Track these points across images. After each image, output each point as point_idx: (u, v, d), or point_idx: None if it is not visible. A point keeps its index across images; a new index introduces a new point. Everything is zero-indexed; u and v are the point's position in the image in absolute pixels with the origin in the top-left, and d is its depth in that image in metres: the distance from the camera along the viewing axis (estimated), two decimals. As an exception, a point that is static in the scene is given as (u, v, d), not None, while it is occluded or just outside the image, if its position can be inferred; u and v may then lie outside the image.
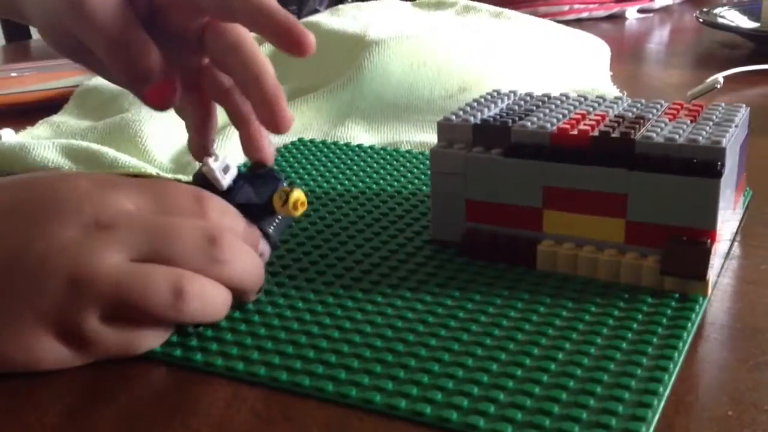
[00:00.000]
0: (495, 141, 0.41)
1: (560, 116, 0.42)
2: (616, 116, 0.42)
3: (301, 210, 0.38)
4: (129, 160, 0.54)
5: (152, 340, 0.34)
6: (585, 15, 1.12)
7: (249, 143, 0.42)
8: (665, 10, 1.21)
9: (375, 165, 0.56)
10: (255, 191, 0.38)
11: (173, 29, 0.41)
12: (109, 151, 0.55)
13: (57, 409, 0.31)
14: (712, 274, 0.38)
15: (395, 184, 0.53)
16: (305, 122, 0.66)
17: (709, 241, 0.38)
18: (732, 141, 0.39)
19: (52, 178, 0.35)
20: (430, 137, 0.62)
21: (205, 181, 0.38)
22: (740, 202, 0.46)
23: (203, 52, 0.42)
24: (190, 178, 0.53)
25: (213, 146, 0.44)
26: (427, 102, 0.69)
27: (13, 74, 0.78)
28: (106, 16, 0.39)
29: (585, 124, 0.40)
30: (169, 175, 0.54)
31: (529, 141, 0.40)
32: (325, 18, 0.83)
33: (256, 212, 0.38)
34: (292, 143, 0.62)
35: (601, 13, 1.14)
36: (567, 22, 0.98)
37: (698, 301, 0.37)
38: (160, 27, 0.41)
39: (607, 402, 0.30)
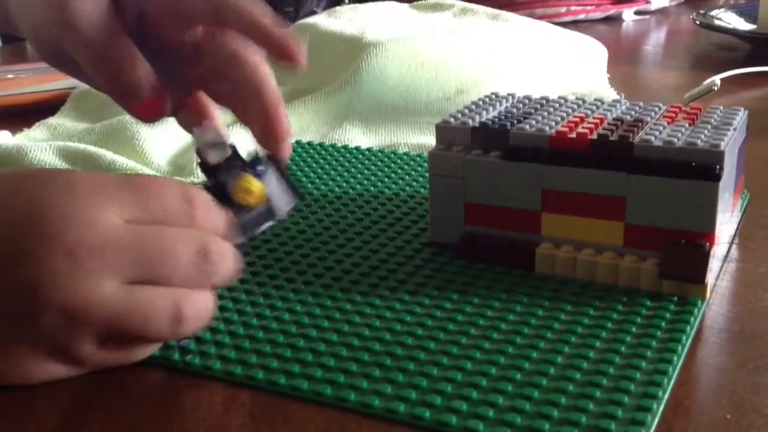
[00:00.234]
0: (493, 144, 0.41)
1: (559, 119, 0.42)
2: (614, 119, 0.42)
3: (246, 199, 0.37)
4: (126, 163, 0.54)
5: (147, 351, 0.34)
6: (582, 17, 1.12)
7: (265, 138, 0.40)
8: (662, 12, 1.21)
9: (373, 167, 0.56)
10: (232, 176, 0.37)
11: (166, 41, 0.41)
12: (107, 154, 0.55)
13: (55, 414, 0.31)
14: (710, 278, 0.38)
15: (393, 186, 0.53)
16: (303, 124, 0.66)
17: (708, 244, 0.37)
18: (730, 144, 0.39)
19: (32, 181, 0.33)
20: (428, 139, 0.62)
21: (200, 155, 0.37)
22: (738, 205, 0.46)
23: (198, 63, 0.42)
24: (186, 180, 0.53)
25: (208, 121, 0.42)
26: (424, 104, 0.69)
27: (9, 76, 0.77)
28: (92, 29, 0.38)
29: (584, 127, 0.40)
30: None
31: (528, 144, 0.40)
32: (322, 20, 0.83)
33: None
34: (294, 148, 0.61)
35: (598, 14, 1.14)
36: (564, 24, 0.98)
37: (697, 304, 0.37)
38: (153, 39, 0.41)
39: (607, 406, 0.30)
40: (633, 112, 0.43)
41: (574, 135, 0.40)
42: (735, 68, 0.77)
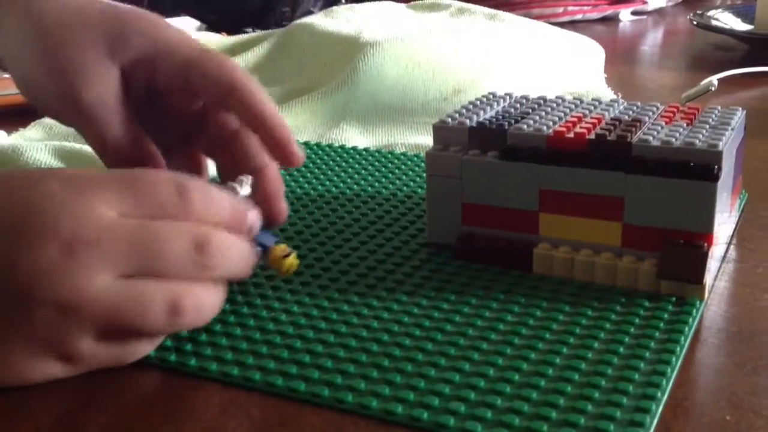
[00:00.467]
0: (491, 144, 0.41)
1: (556, 119, 0.42)
2: (612, 119, 0.41)
3: (286, 270, 0.37)
4: (122, 163, 0.54)
5: (145, 348, 0.34)
6: (579, 17, 1.12)
7: (274, 146, 0.41)
8: (659, 12, 1.21)
9: (370, 167, 0.56)
10: None
11: (169, 107, 0.43)
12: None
13: (51, 415, 0.31)
14: (708, 278, 0.38)
15: (390, 186, 0.53)
16: (300, 124, 0.66)
17: (706, 244, 0.37)
18: (728, 144, 0.39)
19: (24, 183, 0.33)
20: (425, 139, 0.61)
21: None
22: (736, 205, 0.46)
23: (198, 127, 0.44)
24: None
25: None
26: (421, 104, 0.68)
27: (5, 75, 0.77)
28: (100, 115, 0.40)
29: (581, 127, 0.40)
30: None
31: (526, 144, 0.40)
32: (319, 19, 0.83)
33: None
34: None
35: (595, 15, 1.14)
36: (561, 24, 0.98)
37: (695, 304, 0.37)
38: (157, 106, 0.43)
39: (605, 407, 0.30)
40: (631, 112, 0.43)
41: (571, 135, 0.39)
42: (732, 68, 0.77)
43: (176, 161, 0.44)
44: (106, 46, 0.41)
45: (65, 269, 0.30)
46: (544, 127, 0.40)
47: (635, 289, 0.38)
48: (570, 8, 1.11)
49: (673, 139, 0.38)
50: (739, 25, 0.96)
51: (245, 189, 0.38)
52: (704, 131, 0.39)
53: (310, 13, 1.04)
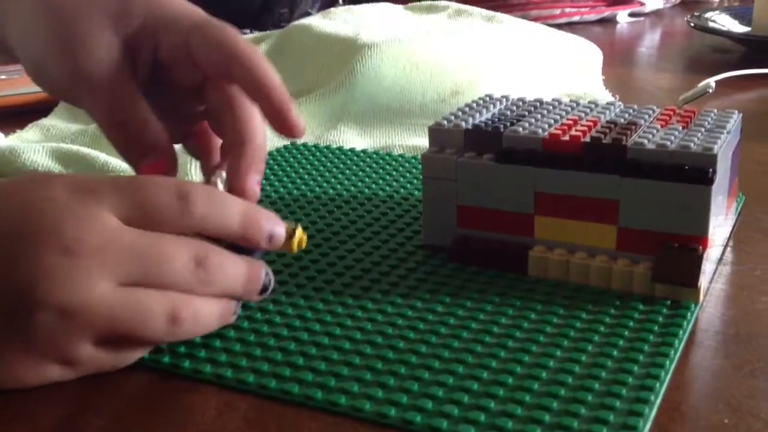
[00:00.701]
0: (486, 146, 0.41)
1: (552, 122, 0.42)
2: (608, 122, 0.42)
3: (298, 248, 0.37)
4: (120, 164, 0.54)
5: (141, 353, 0.34)
6: (576, 19, 1.12)
7: (275, 119, 0.40)
8: (656, 14, 1.21)
9: (367, 169, 0.56)
10: None
11: (175, 81, 0.42)
12: (100, 155, 0.55)
13: (49, 419, 0.31)
14: (704, 281, 0.38)
15: (387, 188, 0.53)
16: (297, 126, 0.66)
17: (700, 248, 0.37)
18: (724, 147, 0.39)
19: (27, 186, 0.33)
20: (423, 141, 0.62)
21: None
22: (733, 208, 0.46)
23: (203, 99, 0.43)
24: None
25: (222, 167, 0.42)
26: (419, 106, 0.69)
27: (2, 77, 0.77)
28: (105, 87, 0.40)
29: (577, 130, 0.40)
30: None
31: (521, 146, 0.40)
32: (317, 21, 0.83)
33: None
34: (285, 147, 0.61)
35: (593, 16, 1.14)
36: (558, 26, 0.98)
37: (690, 308, 0.37)
38: (162, 80, 0.42)
39: (598, 410, 0.30)
40: (627, 115, 0.43)
41: (567, 138, 0.39)
42: (729, 70, 0.77)
43: (186, 139, 0.44)
44: (110, 20, 0.41)
45: (67, 274, 0.30)
46: (540, 130, 0.40)
47: (630, 292, 0.38)
48: (567, 10, 1.11)
49: (668, 143, 0.38)
50: (737, 27, 0.97)
51: (221, 177, 0.38)
52: (700, 134, 0.39)
53: (307, 14, 1.04)
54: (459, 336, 0.35)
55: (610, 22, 1.15)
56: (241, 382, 0.32)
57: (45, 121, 0.67)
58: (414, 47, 0.71)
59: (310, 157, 0.59)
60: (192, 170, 0.53)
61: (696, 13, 1.00)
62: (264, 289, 0.35)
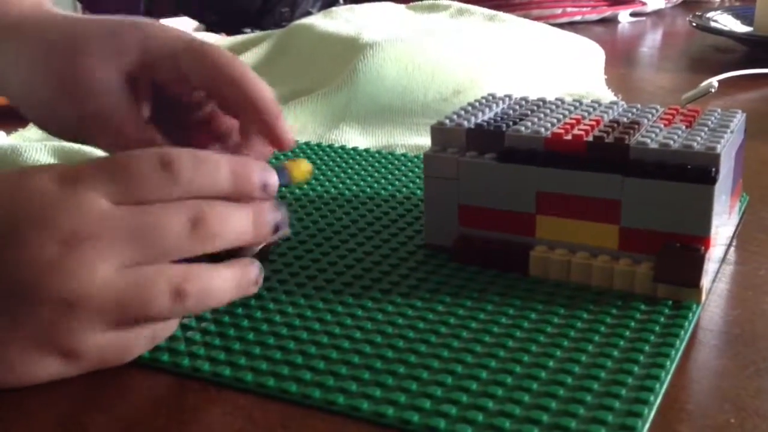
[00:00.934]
0: (489, 145, 0.41)
1: (555, 121, 0.42)
2: (610, 121, 0.41)
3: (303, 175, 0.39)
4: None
5: (146, 343, 0.34)
6: (578, 18, 1.12)
7: (265, 131, 0.42)
8: (657, 13, 1.21)
9: (369, 168, 0.56)
10: None
11: (178, 98, 0.45)
12: (102, 154, 0.54)
13: (50, 418, 0.31)
14: (706, 281, 0.38)
15: (389, 187, 0.53)
16: (300, 125, 0.66)
17: (702, 248, 0.37)
18: (727, 147, 0.39)
19: (13, 181, 0.33)
20: (425, 140, 0.61)
21: None
22: (736, 208, 0.46)
23: (199, 108, 0.45)
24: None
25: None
26: (421, 105, 0.68)
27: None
28: (120, 128, 0.43)
29: (579, 129, 0.40)
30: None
31: (523, 146, 0.40)
32: (318, 20, 0.83)
33: None
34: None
35: (594, 16, 1.14)
36: (560, 26, 0.98)
37: (692, 308, 0.37)
38: (166, 98, 0.44)
39: (597, 411, 0.30)
40: (630, 114, 0.43)
41: (569, 137, 0.39)
42: (731, 70, 0.77)
43: (199, 133, 0.46)
44: (109, 57, 0.43)
45: (67, 264, 0.30)
46: (542, 129, 0.40)
47: (631, 292, 0.38)
48: (569, 9, 1.11)
49: (671, 142, 0.38)
50: (739, 27, 0.96)
51: None
52: (703, 134, 0.39)
53: (309, 13, 1.04)
54: (459, 336, 0.35)
55: (611, 21, 1.14)
56: (239, 381, 0.32)
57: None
58: (416, 47, 0.71)
59: (313, 156, 0.58)
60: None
61: (698, 13, 1.00)
62: (276, 229, 0.35)
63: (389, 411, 0.30)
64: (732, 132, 0.40)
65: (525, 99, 0.47)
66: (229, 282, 0.34)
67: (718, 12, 1.00)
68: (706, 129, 0.40)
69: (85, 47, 0.43)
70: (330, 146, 0.61)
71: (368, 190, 0.52)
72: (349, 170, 0.56)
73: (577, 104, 0.45)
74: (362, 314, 0.37)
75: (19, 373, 0.32)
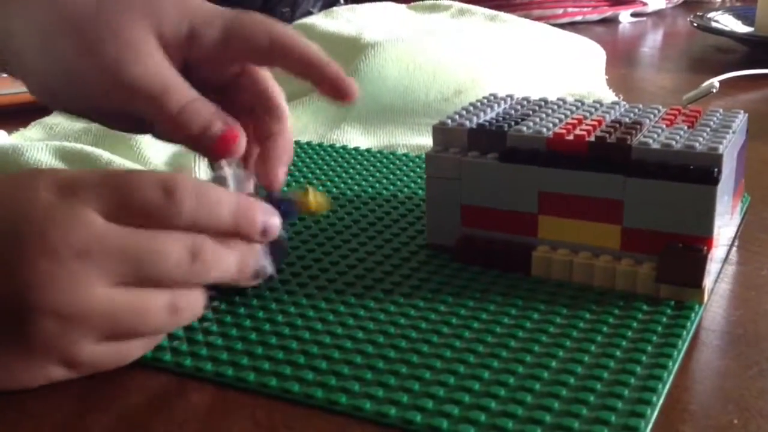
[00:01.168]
0: (490, 145, 0.41)
1: (556, 121, 0.42)
2: (612, 121, 0.41)
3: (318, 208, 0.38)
4: (123, 163, 0.54)
5: (143, 349, 0.34)
6: (579, 18, 1.12)
7: (265, 165, 0.41)
8: (658, 14, 1.21)
9: (371, 168, 0.56)
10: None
11: (200, 82, 0.40)
12: (104, 154, 0.54)
13: (52, 418, 0.31)
14: (708, 281, 0.38)
15: (391, 187, 0.53)
16: (301, 125, 0.66)
17: (705, 248, 0.37)
18: (729, 147, 0.39)
19: (10, 187, 0.32)
20: (427, 140, 0.61)
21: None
22: (738, 208, 0.46)
23: (228, 93, 0.42)
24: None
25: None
26: (423, 105, 0.68)
27: (4, 75, 0.77)
28: (164, 86, 0.38)
29: (581, 129, 0.40)
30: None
31: (525, 146, 0.40)
32: (319, 20, 0.83)
33: None
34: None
35: (595, 16, 1.14)
36: (561, 26, 0.98)
37: (694, 308, 0.37)
38: (192, 78, 0.40)
39: (600, 411, 0.30)
40: (632, 115, 0.43)
41: (571, 137, 0.39)
42: (732, 71, 0.77)
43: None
44: (143, 23, 0.38)
45: (58, 279, 0.30)
46: (544, 129, 0.40)
47: (634, 292, 0.38)
48: (570, 10, 1.11)
49: (673, 142, 0.38)
50: (740, 27, 0.96)
51: (227, 171, 0.38)
52: (705, 134, 0.39)
53: (309, 13, 1.04)
54: (461, 335, 0.35)
55: (612, 22, 1.14)
56: (241, 380, 0.32)
57: (48, 120, 0.67)
58: (417, 47, 0.71)
59: (314, 156, 0.59)
60: (197, 168, 0.52)
61: (699, 14, 1.00)
62: (256, 275, 0.35)
63: (392, 411, 0.30)
64: (734, 132, 0.40)
65: (527, 99, 0.47)
66: (203, 297, 0.34)
67: (719, 12, 1.00)
68: (708, 129, 0.40)
69: (111, 6, 0.38)
70: (331, 146, 0.61)
71: (370, 190, 0.52)
72: (351, 170, 0.56)
73: (579, 104, 0.45)
74: (364, 314, 0.37)
75: (21, 378, 0.32)
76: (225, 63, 0.41)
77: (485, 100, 0.47)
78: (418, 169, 0.55)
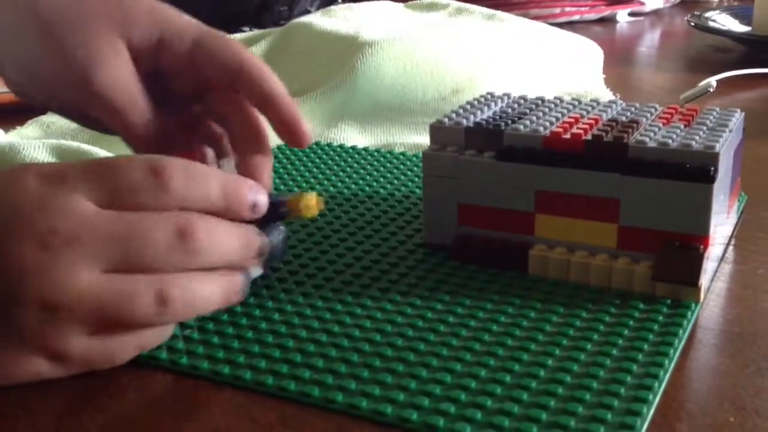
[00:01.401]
0: (487, 144, 0.41)
1: (553, 120, 0.42)
2: (609, 120, 0.41)
3: (309, 213, 0.37)
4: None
5: (135, 348, 0.33)
6: (576, 18, 1.12)
7: (283, 125, 0.41)
8: (656, 13, 1.21)
9: (368, 167, 0.56)
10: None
11: (173, 90, 0.42)
12: (100, 152, 0.54)
13: (49, 416, 0.31)
14: (705, 279, 0.38)
15: (388, 186, 0.53)
16: (297, 123, 0.66)
17: (701, 247, 0.37)
18: (726, 146, 0.39)
19: (2, 176, 0.32)
20: (424, 139, 0.61)
21: None
22: (735, 207, 0.46)
23: (199, 101, 0.43)
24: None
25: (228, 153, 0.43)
26: (420, 104, 0.68)
27: None
28: (124, 99, 0.39)
29: (578, 128, 0.40)
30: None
31: (522, 144, 0.40)
32: (317, 19, 0.83)
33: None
34: (286, 144, 0.61)
35: (592, 16, 1.14)
36: (558, 25, 0.98)
37: (690, 307, 0.37)
38: (161, 86, 0.41)
39: (596, 409, 0.30)
40: (628, 113, 0.43)
41: (568, 136, 0.39)
42: (730, 70, 0.77)
43: (178, 150, 0.43)
44: (113, 29, 0.39)
45: (47, 267, 0.30)
46: (541, 128, 0.40)
47: (630, 291, 0.38)
48: (567, 9, 1.11)
49: (670, 141, 0.38)
50: (737, 27, 0.96)
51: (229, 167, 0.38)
52: (701, 133, 0.39)
53: (307, 12, 1.04)
54: (458, 334, 0.35)
55: (609, 21, 1.15)
56: (237, 379, 0.32)
57: (45, 118, 0.67)
58: (414, 45, 0.71)
59: (311, 155, 0.58)
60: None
61: (696, 13, 1.00)
62: (261, 252, 0.35)
63: (388, 409, 0.30)
64: (731, 131, 0.40)
65: (523, 98, 0.47)
66: (215, 289, 0.33)
67: (717, 12, 1.00)
68: (704, 128, 0.40)
69: (84, 9, 0.39)
70: (329, 145, 0.61)
71: (367, 188, 0.52)
72: (348, 169, 0.56)
73: (576, 103, 0.45)
74: (361, 312, 0.37)
75: (10, 372, 0.31)
76: (191, 79, 0.42)
77: (482, 99, 0.47)
78: (415, 168, 0.55)
